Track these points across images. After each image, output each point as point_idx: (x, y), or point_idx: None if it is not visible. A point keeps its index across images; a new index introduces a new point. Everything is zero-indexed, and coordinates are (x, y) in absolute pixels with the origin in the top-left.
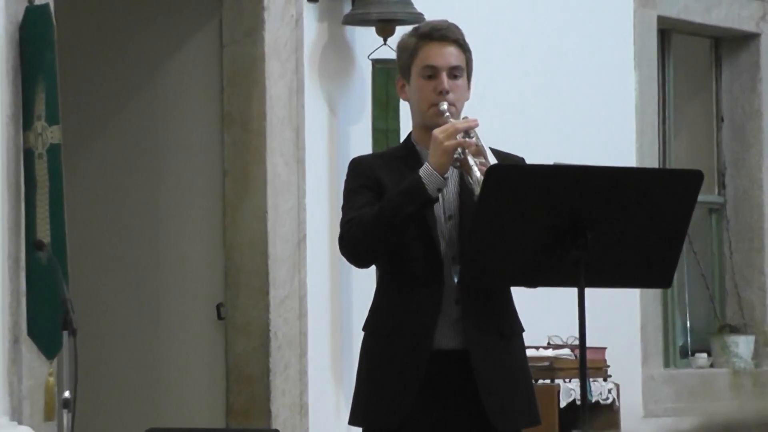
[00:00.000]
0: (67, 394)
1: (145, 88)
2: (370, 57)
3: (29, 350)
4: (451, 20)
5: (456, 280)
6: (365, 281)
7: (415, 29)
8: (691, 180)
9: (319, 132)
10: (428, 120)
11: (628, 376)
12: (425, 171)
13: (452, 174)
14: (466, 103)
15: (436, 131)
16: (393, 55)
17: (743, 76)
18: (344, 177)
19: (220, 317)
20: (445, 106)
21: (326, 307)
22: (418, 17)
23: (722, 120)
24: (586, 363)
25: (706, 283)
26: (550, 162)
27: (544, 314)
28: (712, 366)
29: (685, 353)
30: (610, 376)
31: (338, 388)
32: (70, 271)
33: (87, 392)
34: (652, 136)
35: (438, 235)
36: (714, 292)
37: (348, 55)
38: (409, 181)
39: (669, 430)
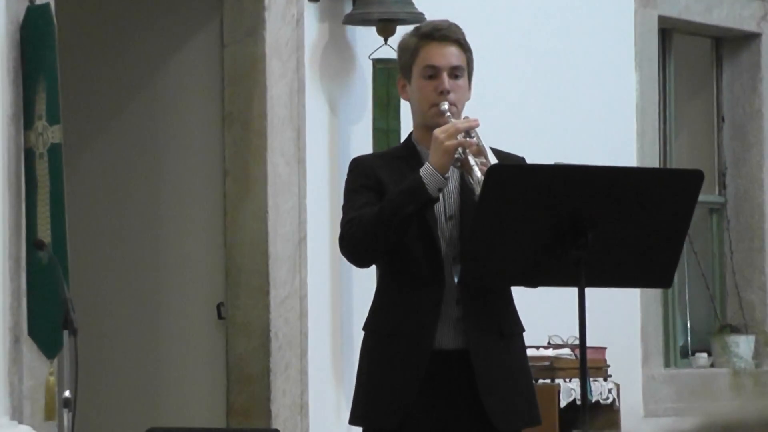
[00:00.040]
0: (67, 393)
1: (146, 87)
2: (371, 57)
3: (30, 350)
4: (451, 20)
5: (456, 280)
6: (366, 281)
7: (416, 29)
8: (692, 180)
9: (320, 132)
10: (429, 120)
11: (628, 376)
12: (426, 171)
13: (453, 174)
14: (467, 103)
15: (437, 131)
16: (394, 55)
17: (744, 76)
18: (345, 177)
19: (220, 317)
20: (445, 106)
21: (327, 307)
22: (418, 17)
23: (723, 120)
24: (587, 363)
25: (706, 283)
26: (551, 162)
27: (544, 314)
28: (712, 366)
29: (686, 353)
30: (610, 375)
31: (338, 387)
32: (71, 270)
33: (87, 392)
34: (653, 136)
35: (438, 235)
36: (714, 292)
37: (349, 54)
38: (410, 181)
39: (669, 430)
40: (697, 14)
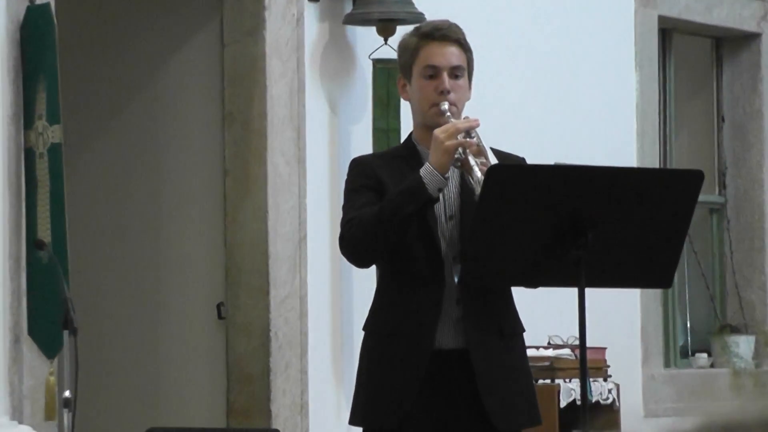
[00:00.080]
0: (67, 393)
1: (146, 87)
2: (371, 57)
3: (30, 350)
4: (452, 20)
5: (456, 279)
6: (366, 281)
7: (416, 29)
8: (692, 180)
9: (320, 131)
10: (429, 120)
11: (628, 376)
12: (426, 171)
13: (453, 174)
14: (467, 104)
15: (437, 131)
16: (394, 55)
17: (744, 75)
18: (345, 176)
19: (220, 317)
20: (446, 105)
21: (327, 307)
22: (419, 17)
23: (723, 120)
24: (587, 363)
25: (706, 283)
26: (551, 162)
27: (544, 314)
28: (712, 366)
29: (686, 353)
30: (610, 376)
31: (338, 387)
32: (71, 270)
33: (87, 392)
34: (653, 136)
35: (439, 235)
36: (714, 292)
37: (349, 54)
38: (410, 180)
39: (669, 430)
40: (697, 14)
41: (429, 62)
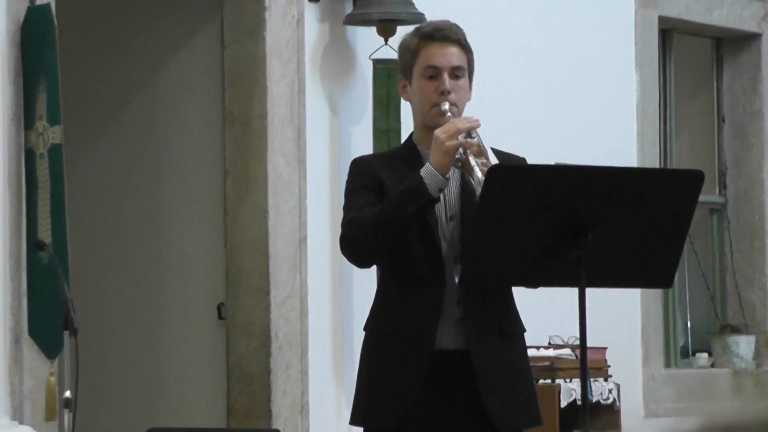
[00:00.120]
0: (68, 393)
1: (147, 88)
2: (371, 57)
3: (30, 350)
4: (452, 20)
5: (457, 280)
6: (366, 281)
7: (416, 29)
8: (692, 180)
9: (321, 132)
10: (430, 120)
11: (628, 376)
12: (426, 171)
13: (454, 174)
14: (468, 104)
15: (438, 131)
16: (394, 55)
17: (744, 76)
18: (345, 177)
19: (220, 317)
20: (446, 106)
21: (327, 307)
22: (419, 17)
23: (723, 120)
24: (587, 363)
25: (706, 283)
26: (551, 162)
27: (545, 314)
28: (712, 366)
29: (686, 353)
30: (610, 376)
31: (339, 388)
32: (72, 271)
33: (88, 392)
34: (653, 136)
35: (439, 236)
36: (715, 292)
37: (349, 55)
38: (411, 181)
39: (670, 430)
40: (697, 15)
41: (430, 63)
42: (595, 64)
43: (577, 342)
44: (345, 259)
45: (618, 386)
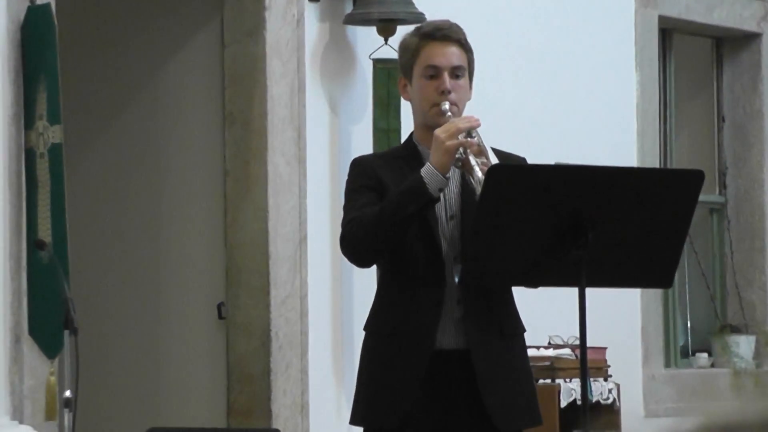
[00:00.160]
0: (68, 393)
1: (147, 87)
2: (372, 57)
3: (30, 350)
4: (452, 20)
5: (457, 280)
6: (366, 281)
7: (417, 29)
8: (692, 180)
9: (321, 131)
10: (430, 120)
11: (628, 376)
12: (427, 171)
13: (454, 174)
14: (468, 104)
15: (438, 131)
16: (394, 55)
17: (744, 76)
18: (345, 177)
19: (221, 317)
20: (446, 105)
21: (327, 307)
22: (419, 17)
23: (723, 120)
24: (587, 363)
25: (706, 283)
26: (551, 162)
27: (544, 314)
28: (713, 366)
29: (686, 353)
30: (610, 376)
31: (339, 387)
32: (72, 270)
33: (88, 392)
34: (653, 136)
35: (439, 235)
36: (715, 292)
37: (349, 54)
38: (411, 180)
39: (670, 430)
40: (697, 14)
41: (430, 62)
42: (595, 64)
43: (577, 342)
44: (345, 259)
45: (618, 386)
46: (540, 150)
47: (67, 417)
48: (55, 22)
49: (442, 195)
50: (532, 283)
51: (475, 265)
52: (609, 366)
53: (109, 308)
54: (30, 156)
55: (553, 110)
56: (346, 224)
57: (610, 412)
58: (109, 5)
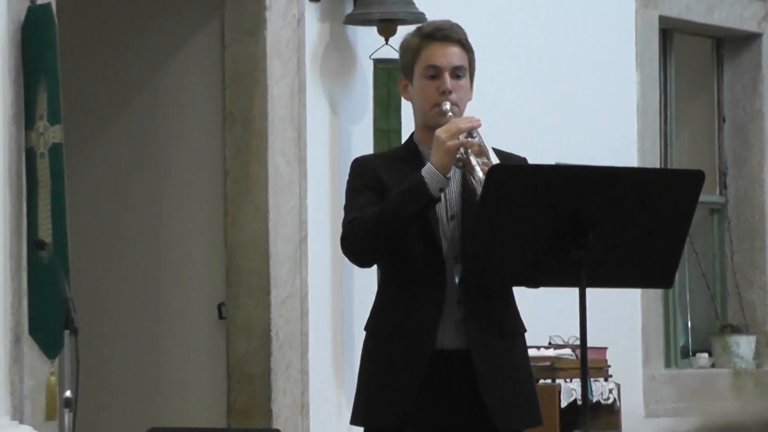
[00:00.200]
0: (68, 393)
1: (147, 87)
2: (372, 57)
3: (31, 349)
4: (452, 20)
5: (458, 280)
6: (367, 281)
7: (418, 29)
8: (693, 180)
9: (321, 132)
10: (431, 120)
11: (629, 376)
12: (427, 171)
13: (455, 174)
14: (469, 104)
15: (439, 131)
16: (394, 55)
17: (745, 76)
18: (346, 177)
19: (221, 317)
20: (447, 105)
21: (327, 307)
22: (419, 17)
23: (724, 120)
24: (587, 363)
25: (707, 283)
26: (552, 162)
27: (545, 314)
28: (713, 366)
29: (686, 353)
30: (611, 376)
31: (339, 387)
32: (72, 270)
33: (88, 392)
34: (654, 136)
35: (440, 235)
36: (715, 292)
37: (350, 54)
38: (412, 180)
39: (669, 430)
40: (697, 14)
41: (431, 62)
42: (595, 64)
43: (578, 342)
44: (345, 259)
45: (618, 386)
46: (540, 150)
47: (67, 417)
48: (56, 22)
49: (442, 195)
50: (533, 283)
51: (475, 265)
52: (609, 366)
53: (109, 308)
54: (30, 156)
55: (554, 110)
56: (346, 224)
57: (610, 412)
58: (110, 5)
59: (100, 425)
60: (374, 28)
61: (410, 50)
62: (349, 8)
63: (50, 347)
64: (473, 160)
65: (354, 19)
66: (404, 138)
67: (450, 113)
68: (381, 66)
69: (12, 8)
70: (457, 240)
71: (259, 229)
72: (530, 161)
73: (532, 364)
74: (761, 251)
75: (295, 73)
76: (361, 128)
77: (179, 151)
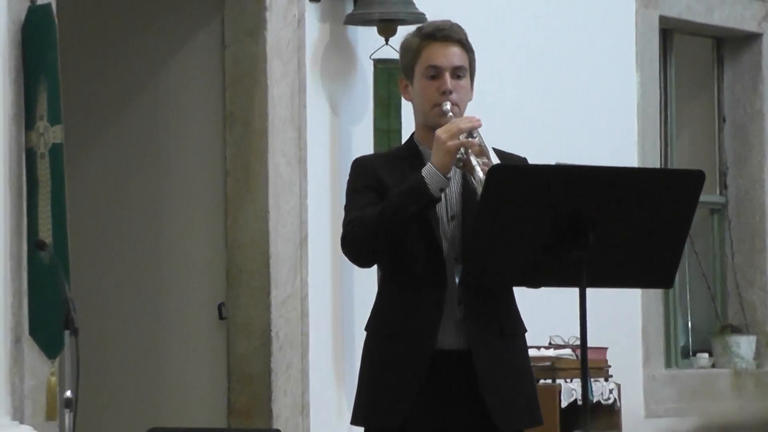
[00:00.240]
0: (68, 393)
1: (147, 87)
2: (372, 57)
3: (31, 350)
4: (453, 20)
5: (458, 280)
6: (367, 281)
7: (418, 29)
8: (693, 180)
9: (321, 132)
10: (431, 120)
11: (629, 377)
12: (428, 171)
13: (455, 174)
14: (469, 104)
15: (439, 131)
16: (395, 55)
17: (745, 76)
18: (346, 177)
19: (221, 317)
20: (448, 106)
21: (328, 307)
22: (419, 17)
23: (724, 120)
24: (588, 363)
25: (707, 283)
26: (552, 162)
27: (545, 314)
28: (713, 366)
29: (687, 353)
30: (611, 376)
31: (340, 388)
32: (72, 270)
33: (89, 392)
34: (654, 136)
35: (440, 236)
36: (715, 293)
37: (350, 55)
38: (412, 181)
39: (670, 430)
40: (698, 15)
41: (431, 62)
42: (595, 64)
43: (578, 342)
44: (346, 259)
45: (618, 386)
46: (540, 150)
47: (67, 417)
48: (56, 22)
49: (443, 195)
50: (533, 283)
51: (475, 265)
52: (610, 366)
53: (109, 308)
54: (30, 156)
55: (554, 110)
56: (347, 224)
57: (610, 412)
58: (110, 5)
59: (100, 425)
60: (374, 29)
61: (411, 50)
62: (350, 8)
63: (50, 347)
64: (473, 160)
65: (354, 19)
66: (404, 138)
67: (450, 113)
68: (381, 66)
69: (12, 8)
70: (457, 240)
71: (260, 229)
72: (530, 161)
73: (532, 364)
74: (761, 251)
75: (295, 74)
76: (362, 128)
77: (179, 151)
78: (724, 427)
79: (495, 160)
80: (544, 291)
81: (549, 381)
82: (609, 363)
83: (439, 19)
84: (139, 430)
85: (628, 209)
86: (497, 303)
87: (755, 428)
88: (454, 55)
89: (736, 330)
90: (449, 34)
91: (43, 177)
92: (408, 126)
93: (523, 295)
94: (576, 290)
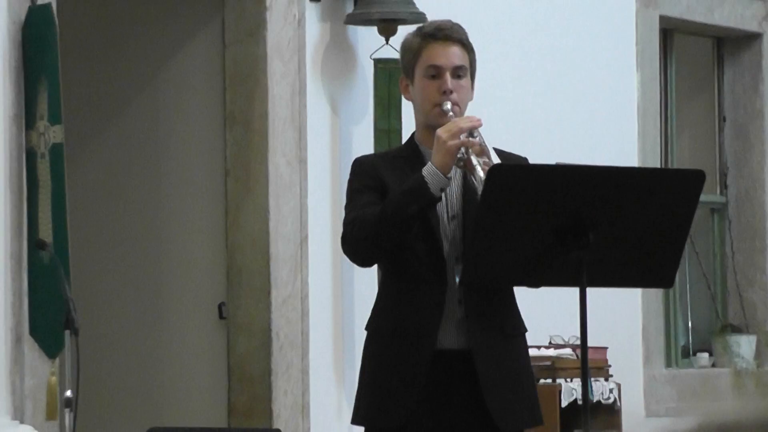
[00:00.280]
0: (69, 393)
1: (148, 87)
2: (373, 57)
3: (31, 350)
4: (453, 20)
5: (458, 280)
6: (367, 281)
7: (419, 29)
8: (693, 180)
9: (322, 132)
10: (432, 120)
11: (629, 376)
12: (428, 171)
13: (456, 174)
14: (469, 104)
15: (440, 131)
16: (395, 55)
17: (745, 76)
18: (347, 177)
19: (221, 317)
20: (448, 105)
21: (328, 307)
22: (420, 17)
23: (724, 120)
24: (588, 363)
25: (707, 283)
26: (553, 162)
27: (545, 314)
28: (713, 366)
29: (687, 353)
30: (611, 375)
31: (340, 387)
32: (72, 270)
33: (89, 391)
34: (654, 136)
35: (441, 235)
36: (716, 292)
37: (350, 54)
38: (412, 180)
39: (670, 430)
40: (698, 14)
41: (432, 62)
42: (595, 64)
43: (578, 342)
44: (346, 259)
45: (619, 386)
46: (541, 150)
47: (67, 417)
48: (56, 22)
49: (443, 195)
50: (533, 283)
51: (475, 265)
52: (610, 366)
53: (109, 308)
54: (31, 156)
55: (554, 110)
56: (347, 224)
57: (610, 412)
58: (110, 5)
59: (100, 425)
60: (375, 28)
61: (411, 50)
62: (350, 8)
63: (51, 347)
64: (474, 159)
65: (354, 19)
66: (405, 138)
67: (451, 113)
68: (381, 66)
69: (12, 8)
70: (458, 240)
71: (260, 229)
72: (530, 161)
73: (532, 363)
74: (762, 251)
75: (295, 73)
76: (362, 128)
77: (179, 151)
78: (724, 426)
79: (495, 159)
80: (544, 291)
81: (549, 381)
82: (609, 363)
83: (440, 18)
84: (139, 430)
85: (628, 209)
86: (498, 303)
87: (755, 428)
88: (454, 54)
89: (737, 330)
90: (450, 33)
91: (44, 177)
92: (408, 126)
93: (523, 295)
94: (576, 290)
